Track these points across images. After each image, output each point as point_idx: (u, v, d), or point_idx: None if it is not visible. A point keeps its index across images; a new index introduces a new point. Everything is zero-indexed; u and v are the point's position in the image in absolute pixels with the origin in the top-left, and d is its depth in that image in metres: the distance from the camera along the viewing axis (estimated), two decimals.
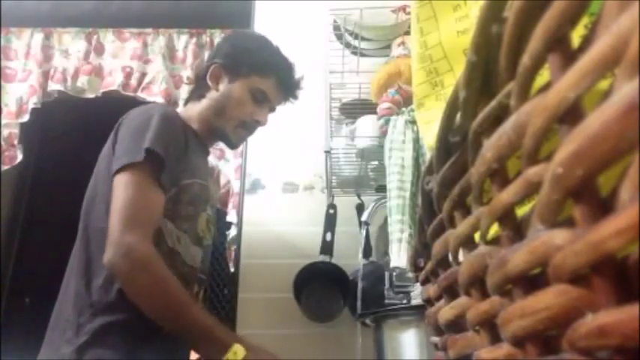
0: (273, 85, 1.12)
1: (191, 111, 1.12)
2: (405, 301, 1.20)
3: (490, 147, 0.25)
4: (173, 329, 0.88)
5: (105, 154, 1.01)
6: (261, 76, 1.11)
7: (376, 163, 1.48)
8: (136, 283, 0.87)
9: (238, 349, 0.86)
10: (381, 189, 1.46)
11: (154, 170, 0.91)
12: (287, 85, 1.16)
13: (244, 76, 1.10)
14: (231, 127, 1.10)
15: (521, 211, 0.26)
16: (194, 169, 1.02)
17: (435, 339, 0.40)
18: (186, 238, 0.99)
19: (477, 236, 0.30)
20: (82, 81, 2.02)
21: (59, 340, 0.90)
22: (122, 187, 0.90)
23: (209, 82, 1.11)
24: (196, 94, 1.14)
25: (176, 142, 0.97)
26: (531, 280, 0.22)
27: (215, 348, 0.86)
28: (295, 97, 1.21)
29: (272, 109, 1.17)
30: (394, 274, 1.22)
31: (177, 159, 0.96)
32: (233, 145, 1.17)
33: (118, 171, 0.91)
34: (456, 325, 0.34)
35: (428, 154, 0.89)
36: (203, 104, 1.11)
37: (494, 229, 0.27)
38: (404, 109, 1.18)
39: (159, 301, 0.87)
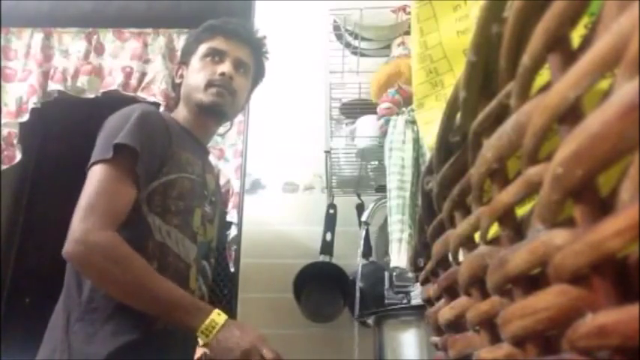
0: (221, 40, 1.15)
1: (177, 113, 1.16)
2: (405, 301, 1.20)
3: (490, 147, 0.25)
4: (145, 308, 0.89)
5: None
6: (205, 40, 1.15)
7: (376, 163, 1.48)
8: (91, 268, 0.88)
9: (218, 317, 0.88)
10: (381, 189, 1.46)
11: (125, 164, 0.93)
12: (235, 32, 1.17)
13: (193, 53, 1.16)
14: (201, 92, 1.11)
15: (521, 211, 0.26)
16: (182, 164, 1.03)
17: (435, 339, 0.40)
18: (177, 233, 0.99)
19: (477, 236, 0.30)
20: (82, 81, 2.02)
21: (54, 340, 0.91)
22: (87, 182, 0.93)
23: (177, 81, 1.19)
24: (175, 99, 1.21)
25: (153, 136, 0.98)
26: (531, 280, 0.22)
27: (190, 316, 0.88)
28: (258, 44, 1.22)
29: (239, 62, 1.16)
30: (394, 274, 1.22)
31: (155, 153, 0.97)
32: (218, 109, 1.12)
33: (90, 168, 0.94)
34: (456, 325, 0.34)
35: (428, 154, 0.89)
36: (180, 101, 1.17)
37: (494, 229, 0.27)
38: (404, 109, 1.18)
39: (119, 283, 0.87)
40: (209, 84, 1.11)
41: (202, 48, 1.14)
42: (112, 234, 0.88)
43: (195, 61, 1.14)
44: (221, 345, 0.87)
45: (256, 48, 1.21)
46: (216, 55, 1.13)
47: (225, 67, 1.12)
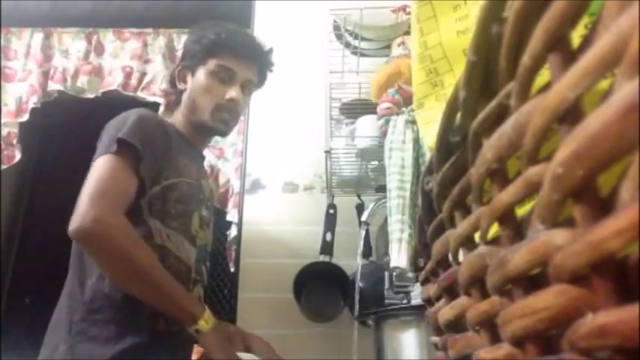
0: (231, 58, 1.12)
1: (175, 117, 1.16)
2: (405, 301, 1.20)
3: (490, 147, 0.25)
4: (150, 294, 0.89)
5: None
6: (216, 55, 1.12)
7: (376, 163, 1.48)
8: (107, 247, 0.87)
9: (205, 323, 0.90)
10: (381, 189, 1.46)
11: (127, 158, 0.93)
12: (246, 52, 1.15)
13: (202, 64, 1.12)
14: (208, 115, 1.11)
15: (521, 211, 0.26)
16: (181, 168, 1.03)
17: (435, 339, 0.40)
18: (177, 236, 1.00)
19: (477, 236, 0.30)
20: (82, 81, 2.02)
21: (56, 340, 0.91)
22: (94, 170, 0.92)
23: (180, 86, 1.16)
24: (175, 101, 1.19)
25: (153, 138, 0.99)
26: (531, 280, 0.22)
27: (194, 305, 0.91)
28: (265, 62, 1.20)
29: (247, 83, 1.15)
30: (394, 274, 1.21)
31: (156, 155, 0.98)
32: (221, 132, 1.17)
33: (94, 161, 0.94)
34: (456, 325, 0.34)
35: (428, 154, 0.88)
36: (181, 107, 1.15)
37: (494, 229, 0.27)
38: (404, 109, 1.18)
39: (133, 265, 0.87)
40: (217, 108, 1.11)
41: (211, 63, 1.11)
42: (123, 219, 0.89)
43: (203, 75, 1.11)
44: (215, 336, 0.91)
45: (263, 66, 1.20)
46: (225, 75, 1.11)
47: (235, 91, 1.11)
